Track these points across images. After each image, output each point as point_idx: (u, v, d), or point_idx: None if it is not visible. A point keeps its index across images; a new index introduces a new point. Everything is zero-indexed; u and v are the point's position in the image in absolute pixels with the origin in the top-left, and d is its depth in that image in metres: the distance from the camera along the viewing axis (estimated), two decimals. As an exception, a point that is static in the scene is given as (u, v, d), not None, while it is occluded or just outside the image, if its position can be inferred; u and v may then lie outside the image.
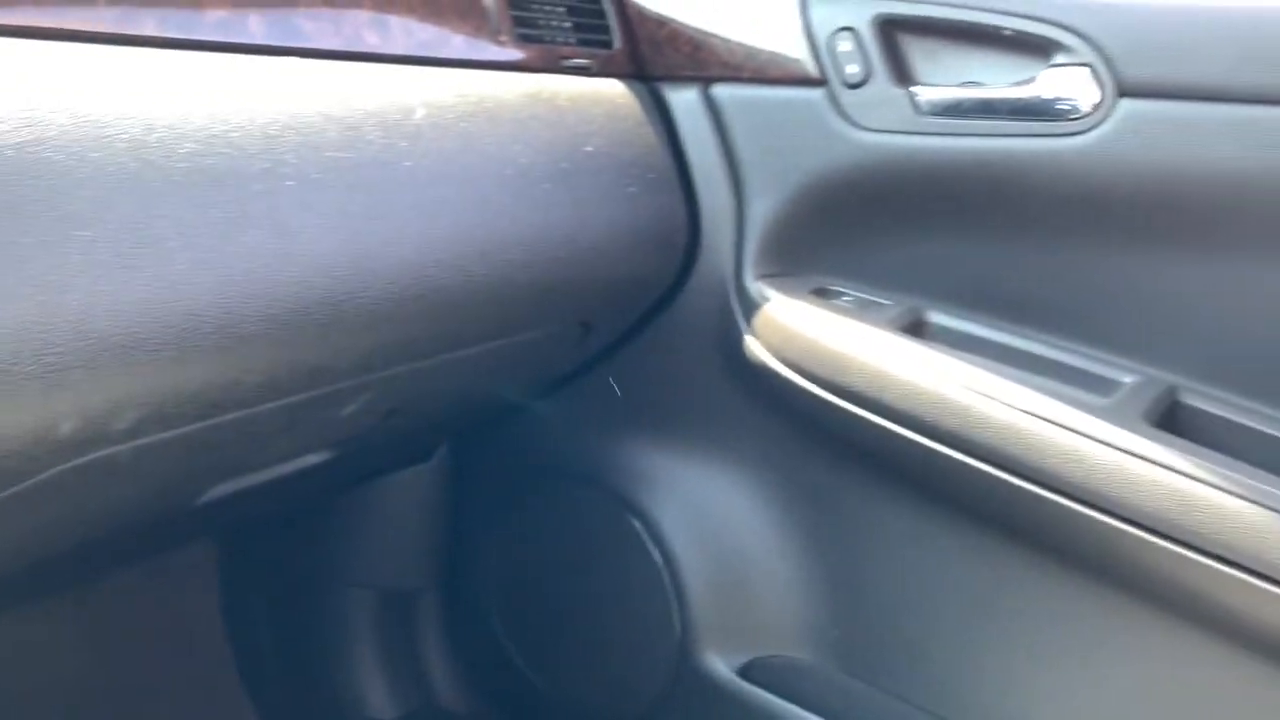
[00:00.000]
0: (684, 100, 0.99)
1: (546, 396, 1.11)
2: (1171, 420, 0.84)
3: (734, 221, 0.98)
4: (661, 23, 0.99)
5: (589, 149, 0.87)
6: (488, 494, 1.20)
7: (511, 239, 0.78)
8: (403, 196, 0.69)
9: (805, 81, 0.94)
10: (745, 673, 1.02)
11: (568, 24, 0.94)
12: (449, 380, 0.87)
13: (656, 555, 1.05)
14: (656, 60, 1.00)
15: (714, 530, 1.05)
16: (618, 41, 0.99)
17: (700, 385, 1.04)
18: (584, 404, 1.11)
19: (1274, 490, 0.72)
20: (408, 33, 0.77)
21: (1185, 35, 0.81)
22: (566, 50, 0.92)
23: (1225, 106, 0.79)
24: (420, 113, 0.73)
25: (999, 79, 0.88)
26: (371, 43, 0.74)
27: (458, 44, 0.81)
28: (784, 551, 1.03)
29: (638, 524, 1.07)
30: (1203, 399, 0.86)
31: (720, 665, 1.02)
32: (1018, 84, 0.87)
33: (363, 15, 0.74)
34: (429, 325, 0.73)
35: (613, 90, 0.95)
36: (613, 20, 0.99)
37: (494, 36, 0.85)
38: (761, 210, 0.97)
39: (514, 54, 0.87)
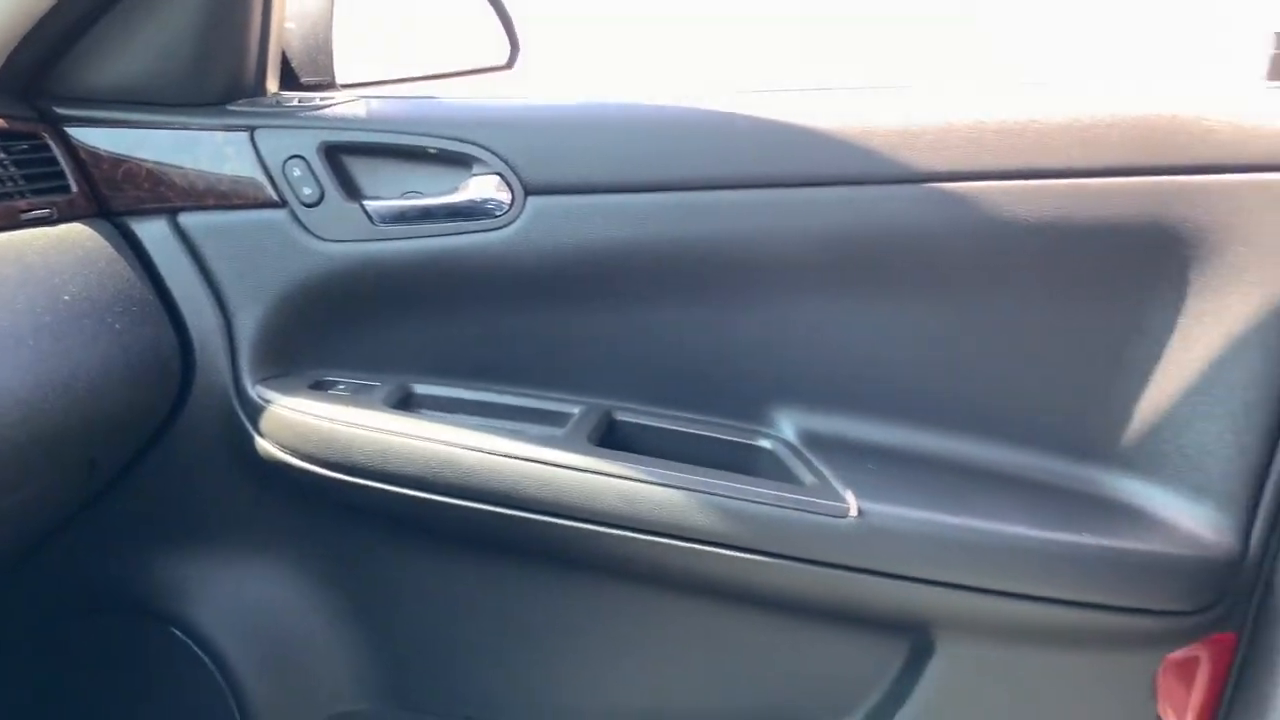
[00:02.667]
0: (152, 232, 1.06)
1: (60, 531, 1.11)
2: (611, 435, 1.08)
3: (224, 337, 1.06)
4: (117, 161, 1.04)
5: (67, 297, 0.91)
6: (12, 643, 1.16)
7: (6, 401, 0.80)
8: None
9: (267, 204, 1.05)
10: None
11: (19, 176, 0.96)
12: None
13: (206, 660, 1.11)
14: (118, 197, 1.05)
15: (258, 621, 1.13)
16: (74, 185, 1.02)
17: (219, 489, 1.11)
18: (103, 531, 1.12)
19: (685, 475, 0.98)
20: None
21: (574, 144, 1.04)
22: (23, 204, 0.95)
23: (610, 196, 1.04)
24: (-117, 302, 0.74)
25: (434, 188, 1.07)
26: None
27: (-95, 220, 0.82)
28: (330, 621, 1.14)
29: (181, 635, 1.11)
30: (631, 414, 1.11)
31: None
32: (449, 192, 1.06)
33: None
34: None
35: (79, 234, 0.99)
36: (65, 164, 1.02)
37: (-58, 204, 0.86)
38: (248, 322, 1.07)
39: (-32, 217, 0.88)
